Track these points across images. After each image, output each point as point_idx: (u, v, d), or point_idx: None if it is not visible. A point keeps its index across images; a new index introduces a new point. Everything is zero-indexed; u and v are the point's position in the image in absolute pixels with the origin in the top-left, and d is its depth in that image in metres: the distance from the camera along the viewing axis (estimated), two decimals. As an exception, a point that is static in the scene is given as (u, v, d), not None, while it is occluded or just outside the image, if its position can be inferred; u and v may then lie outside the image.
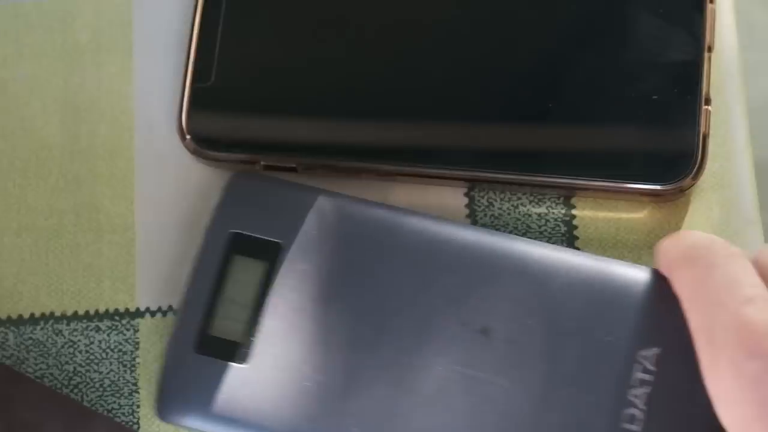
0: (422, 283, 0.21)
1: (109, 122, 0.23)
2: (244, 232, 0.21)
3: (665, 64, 0.22)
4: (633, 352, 0.20)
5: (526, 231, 0.21)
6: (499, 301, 0.21)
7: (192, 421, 0.21)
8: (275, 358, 0.21)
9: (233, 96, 0.22)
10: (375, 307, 0.21)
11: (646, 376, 0.20)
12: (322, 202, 0.22)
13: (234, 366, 0.21)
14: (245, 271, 0.21)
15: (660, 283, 0.20)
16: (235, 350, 0.21)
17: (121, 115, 0.23)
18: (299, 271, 0.21)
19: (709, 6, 0.22)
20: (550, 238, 0.22)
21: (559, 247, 0.22)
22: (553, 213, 0.22)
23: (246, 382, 0.21)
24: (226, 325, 0.21)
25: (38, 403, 0.21)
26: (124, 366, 0.21)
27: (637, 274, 0.21)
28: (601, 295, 0.21)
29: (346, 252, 0.22)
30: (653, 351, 0.20)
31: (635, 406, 0.20)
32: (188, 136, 0.21)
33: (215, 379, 0.21)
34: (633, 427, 0.19)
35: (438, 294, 0.21)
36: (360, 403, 0.21)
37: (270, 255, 0.21)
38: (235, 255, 0.21)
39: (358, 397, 0.21)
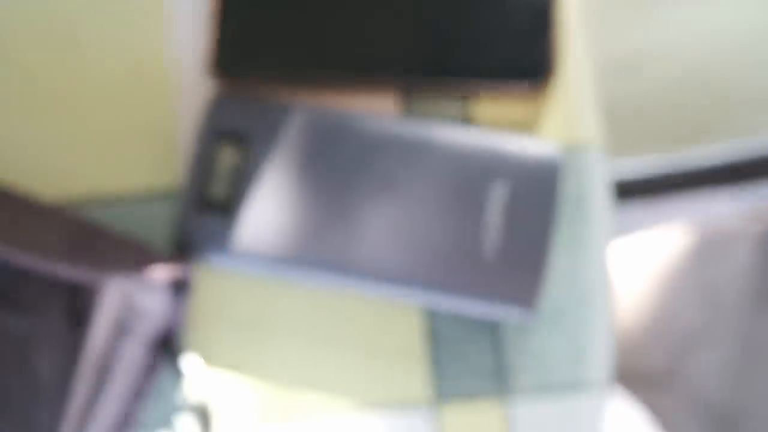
0: (353, 154, 0.30)
1: (157, 64, 0.33)
2: (226, 130, 0.31)
3: (520, 11, 0.31)
4: (489, 186, 0.29)
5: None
6: (396, 158, 0.30)
7: (204, 255, 0.30)
8: (253, 208, 0.30)
9: (245, 42, 0.32)
10: (323, 169, 0.30)
11: (497, 203, 0.29)
12: (279, 106, 0.31)
13: (222, 216, 0.30)
14: (227, 155, 0.30)
15: (504, 139, 0.30)
16: (222, 206, 0.30)
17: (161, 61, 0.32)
18: (266, 152, 0.30)
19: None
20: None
21: (439, 121, 0.31)
22: (453, 111, 0.32)
23: (230, 225, 0.30)
24: (215, 190, 0.30)
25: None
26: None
27: (489, 136, 0.30)
28: (463, 149, 0.30)
29: (299, 136, 0.31)
30: (502, 185, 0.29)
31: (492, 222, 0.29)
32: (216, 70, 0.31)
33: (211, 225, 0.30)
34: (491, 237, 0.29)
35: (363, 159, 0.30)
36: (320, 228, 0.30)
37: (245, 143, 0.31)
38: (220, 144, 0.30)
39: (318, 225, 0.30)
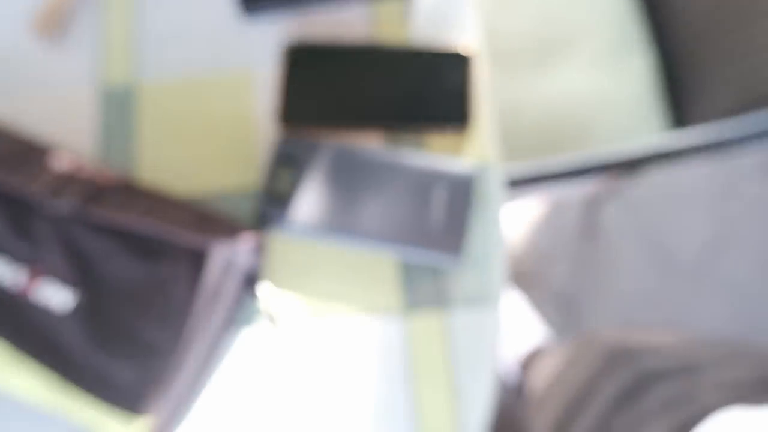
0: (358, 169, 0.44)
1: (247, 119, 0.48)
2: (286, 156, 0.45)
3: (451, 83, 0.47)
4: (435, 187, 0.44)
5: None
6: (382, 172, 0.44)
7: (273, 227, 0.44)
8: (300, 200, 0.44)
9: (297, 105, 0.47)
10: (341, 178, 0.44)
11: (439, 197, 0.44)
12: (317, 144, 0.46)
13: (283, 205, 0.44)
14: (286, 171, 0.45)
15: (444, 162, 0.44)
16: (283, 199, 0.44)
17: (250, 117, 0.48)
18: (309, 169, 0.45)
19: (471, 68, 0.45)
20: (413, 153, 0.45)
21: (408, 152, 0.46)
22: (414, 142, 0.47)
23: (287, 210, 0.44)
24: (279, 190, 0.45)
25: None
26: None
27: (436, 159, 0.44)
28: (421, 167, 0.44)
29: (328, 160, 0.45)
30: (442, 187, 0.44)
31: (436, 208, 0.44)
32: (281, 122, 0.46)
33: (276, 210, 0.44)
34: (435, 216, 0.43)
35: (363, 171, 0.45)
36: (339, 210, 0.44)
37: (297, 164, 0.45)
38: (282, 165, 0.45)
39: (337, 209, 0.44)
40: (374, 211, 0.44)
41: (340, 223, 0.44)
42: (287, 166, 0.45)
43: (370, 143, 0.48)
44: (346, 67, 0.48)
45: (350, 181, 0.45)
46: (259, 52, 0.50)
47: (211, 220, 0.42)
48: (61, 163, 0.44)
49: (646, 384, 0.45)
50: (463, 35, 0.49)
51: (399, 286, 0.45)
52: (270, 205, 0.45)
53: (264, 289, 0.45)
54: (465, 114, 0.47)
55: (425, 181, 0.44)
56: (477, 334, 0.43)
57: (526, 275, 1.22)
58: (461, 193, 0.44)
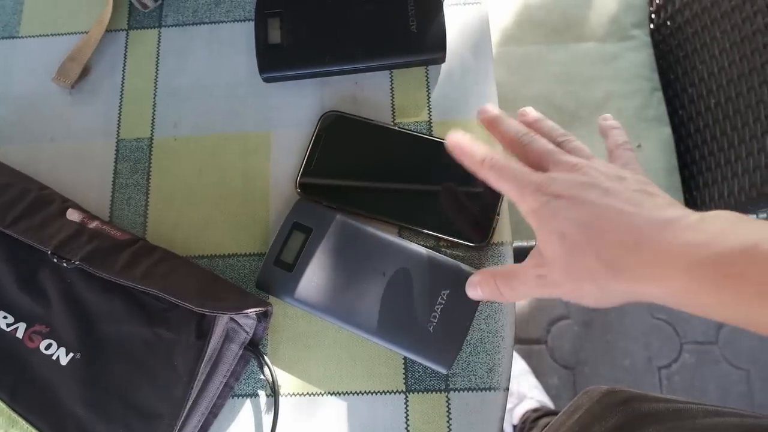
0: (367, 252, 0.42)
1: (261, 180, 0.48)
2: (299, 221, 0.44)
3: (482, 194, 0.44)
4: (439, 290, 0.42)
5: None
6: (390, 261, 0.42)
7: (275, 295, 0.43)
8: (305, 271, 0.43)
9: (318, 176, 0.46)
10: (348, 258, 0.42)
11: (442, 301, 0.41)
12: (332, 215, 0.44)
13: (288, 273, 0.43)
14: (297, 236, 0.44)
15: (453, 265, 0.41)
16: (289, 266, 0.43)
17: (264, 178, 0.47)
18: (319, 239, 0.43)
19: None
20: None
21: (421, 246, 0.43)
22: (429, 245, 0.45)
23: (292, 279, 0.42)
24: (286, 256, 0.43)
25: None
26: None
27: (446, 261, 0.42)
28: (429, 265, 0.42)
29: (339, 235, 0.43)
30: (447, 291, 0.42)
31: (436, 313, 0.41)
32: (298, 189, 0.46)
33: (281, 277, 0.43)
34: (434, 322, 0.41)
35: (372, 257, 0.42)
36: (340, 293, 0.42)
37: (308, 232, 0.44)
38: (294, 229, 0.44)
39: (339, 291, 0.42)
40: (375, 305, 0.42)
41: (339, 309, 0.43)
42: (298, 232, 0.44)
43: (385, 227, 0.47)
44: (375, 149, 0.46)
45: (358, 264, 0.43)
46: (280, 115, 0.50)
47: (218, 286, 0.42)
48: (73, 216, 0.44)
49: (638, 424, 0.45)
50: (481, 103, 0.48)
51: (402, 368, 0.44)
52: (273, 272, 0.43)
53: (266, 357, 0.44)
54: (487, 236, 0.45)
55: (434, 281, 0.42)
56: (480, 417, 0.42)
57: (531, 339, 1.20)
58: (466, 303, 0.42)
